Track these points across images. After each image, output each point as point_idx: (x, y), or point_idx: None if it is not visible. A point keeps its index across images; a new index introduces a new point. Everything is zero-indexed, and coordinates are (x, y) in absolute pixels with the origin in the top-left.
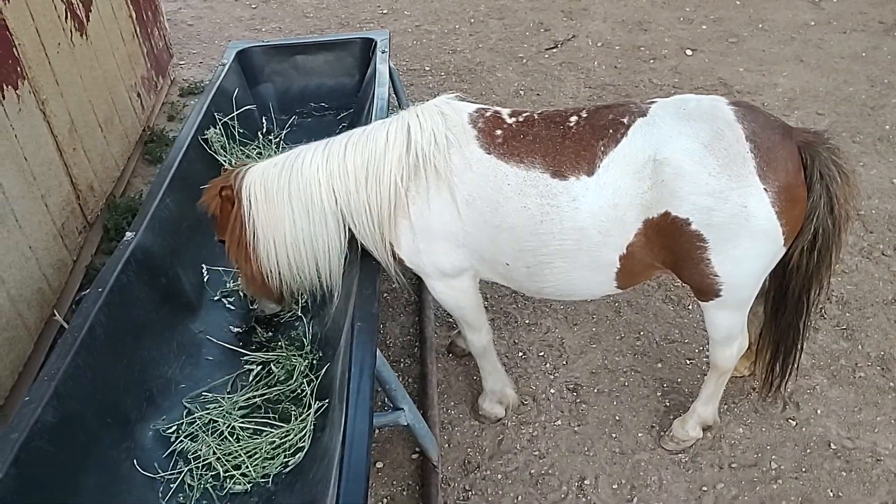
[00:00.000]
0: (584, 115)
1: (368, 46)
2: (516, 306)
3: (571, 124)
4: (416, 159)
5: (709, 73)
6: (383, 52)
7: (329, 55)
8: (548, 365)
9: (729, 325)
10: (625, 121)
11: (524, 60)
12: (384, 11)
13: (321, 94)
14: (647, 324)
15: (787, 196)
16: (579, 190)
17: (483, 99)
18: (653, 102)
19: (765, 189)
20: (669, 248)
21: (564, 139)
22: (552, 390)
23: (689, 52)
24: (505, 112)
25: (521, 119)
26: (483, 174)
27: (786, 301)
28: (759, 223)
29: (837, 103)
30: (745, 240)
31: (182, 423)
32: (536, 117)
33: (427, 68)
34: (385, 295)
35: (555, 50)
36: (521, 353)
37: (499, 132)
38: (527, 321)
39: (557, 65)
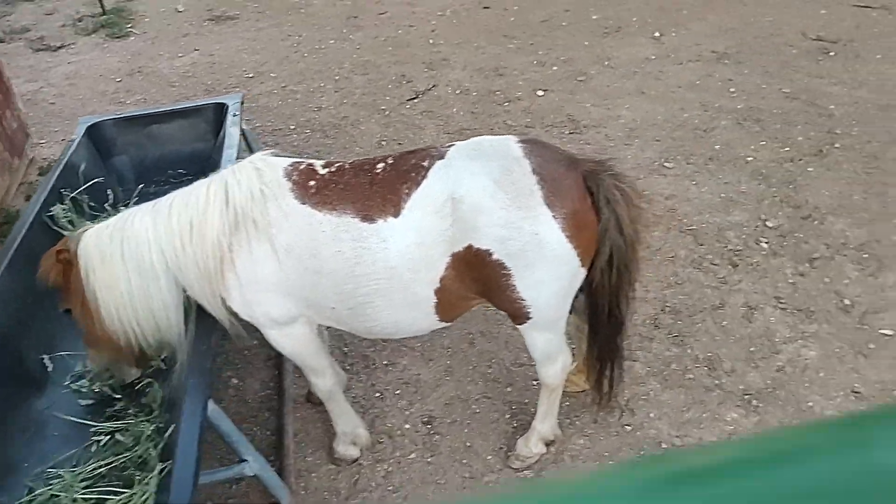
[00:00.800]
0: (391, 162)
1: (221, 111)
2: (374, 349)
3: (378, 171)
4: (236, 214)
5: (558, 111)
6: (234, 115)
7: (183, 122)
8: (403, 402)
9: (544, 345)
10: (425, 164)
11: (387, 112)
12: (250, 75)
13: (178, 160)
14: (498, 351)
15: (576, 221)
16: (387, 231)
17: (346, 152)
18: (451, 146)
19: (553, 216)
20: (478, 279)
21: (372, 185)
22: (407, 425)
23: (540, 92)
24: (318, 164)
25: (333, 169)
26: (299, 223)
27: (598, 318)
28: (552, 248)
29: (673, 129)
30: (542, 264)
31: (21, 502)
32: (347, 166)
33: (292, 127)
34: (245, 352)
35: (416, 100)
36: (377, 394)
37: (312, 183)
38: (384, 362)
39: (418, 114)
